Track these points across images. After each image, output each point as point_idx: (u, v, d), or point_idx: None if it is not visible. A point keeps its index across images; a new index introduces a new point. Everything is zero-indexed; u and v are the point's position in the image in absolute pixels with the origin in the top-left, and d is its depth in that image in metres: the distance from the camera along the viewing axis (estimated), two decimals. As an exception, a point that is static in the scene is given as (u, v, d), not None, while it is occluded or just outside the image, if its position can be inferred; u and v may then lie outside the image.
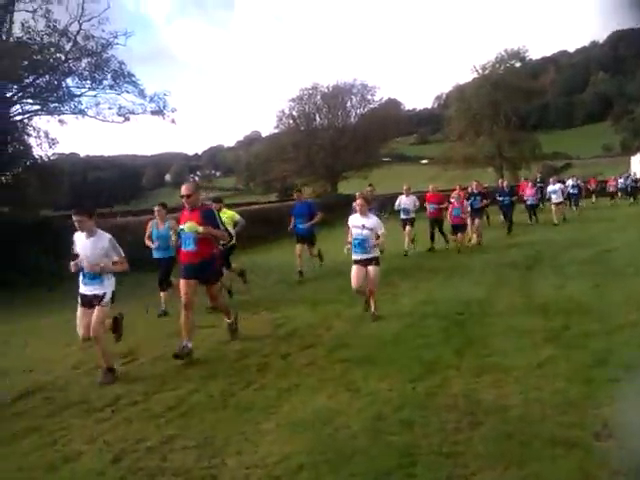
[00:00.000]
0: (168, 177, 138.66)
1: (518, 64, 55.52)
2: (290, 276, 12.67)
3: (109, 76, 21.09)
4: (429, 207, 16.19)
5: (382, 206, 12.51)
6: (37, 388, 6.18)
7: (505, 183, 21.67)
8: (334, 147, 45.74)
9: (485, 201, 17.34)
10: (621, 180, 35.42)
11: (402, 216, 15.87)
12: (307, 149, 45.90)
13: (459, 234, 15.63)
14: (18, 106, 20.06)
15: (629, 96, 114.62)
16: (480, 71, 54.63)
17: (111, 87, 21.36)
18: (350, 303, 9.15)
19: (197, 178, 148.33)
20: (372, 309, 8.35)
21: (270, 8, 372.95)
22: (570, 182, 28.77)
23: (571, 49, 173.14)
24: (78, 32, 19.97)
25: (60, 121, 21.35)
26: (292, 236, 13.33)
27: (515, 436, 4.05)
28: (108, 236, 6.26)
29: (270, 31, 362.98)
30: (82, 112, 21.30)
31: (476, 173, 40.92)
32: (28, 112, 20.40)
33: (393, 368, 5.86)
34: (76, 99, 21.19)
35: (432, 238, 16.11)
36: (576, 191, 27.97)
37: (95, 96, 21.54)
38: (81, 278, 6.29)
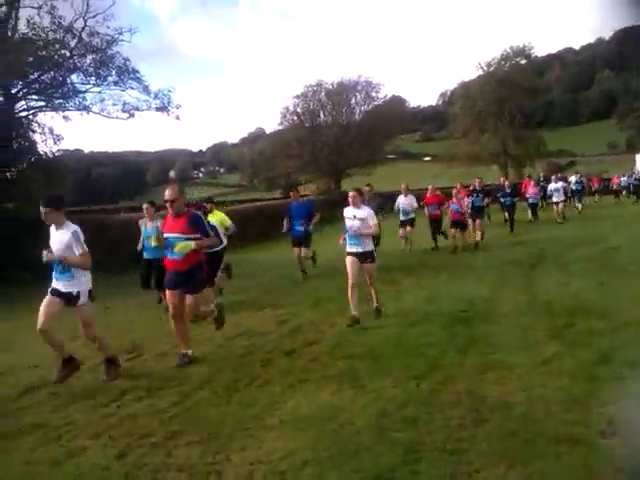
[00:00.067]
0: (172, 173, 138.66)
1: (523, 61, 55.41)
2: (292, 273, 12.65)
3: (114, 72, 21.12)
4: (428, 209, 16.09)
5: (380, 206, 12.40)
6: (42, 383, 6.19)
7: (507, 182, 21.57)
8: (338, 144, 45.74)
9: (487, 199, 17.06)
10: (624, 178, 35.34)
11: (401, 217, 15.82)
12: (311, 146, 45.87)
13: (459, 230, 15.41)
14: (23, 102, 20.10)
15: (635, 93, 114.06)
16: (485, 68, 54.70)
17: (116, 83, 21.42)
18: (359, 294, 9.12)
19: (201, 175, 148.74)
20: (375, 303, 8.34)
21: (275, 4, 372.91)
22: (573, 178, 28.65)
23: (577, 46, 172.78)
24: (83, 28, 20.06)
25: (65, 117, 21.37)
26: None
27: (519, 433, 4.05)
28: (73, 229, 6.03)
29: (275, 27, 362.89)
30: (87, 108, 21.36)
31: (480, 170, 40.87)
32: (33, 108, 20.44)
33: (397, 365, 5.87)
34: (81, 95, 21.25)
35: (434, 237, 16.08)
36: (579, 187, 27.78)
37: (100, 92, 21.60)
38: (54, 273, 6.12)
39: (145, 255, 10.02)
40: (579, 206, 26.51)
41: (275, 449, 4.13)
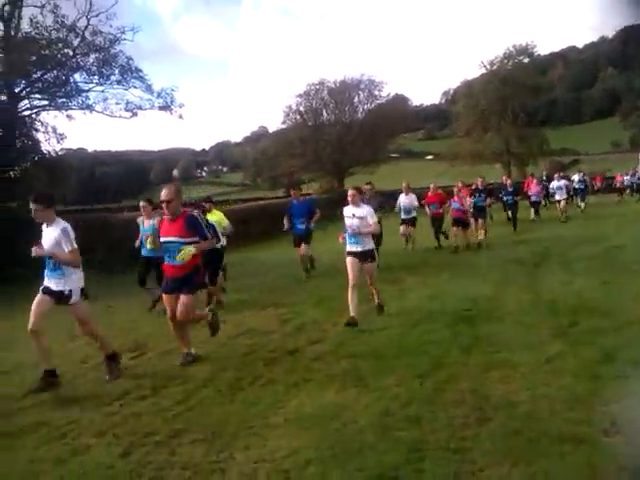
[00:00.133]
0: (176, 172, 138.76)
1: (526, 60, 55.26)
2: (295, 272, 12.64)
3: (117, 71, 21.16)
4: (430, 207, 16.04)
5: (381, 204, 12.34)
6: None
7: (509, 181, 21.52)
8: (341, 143, 45.73)
9: (489, 200, 16.98)
10: (627, 177, 35.24)
11: (403, 216, 15.74)
12: (314, 145, 45.88)
13: (460, 228, 15.36)
14: (26, 101, 20.13)
15: (638, 92, 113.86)
16: (488, 67, 54.64)
17: (119, 82, 21.43)
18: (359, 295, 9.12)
19: (204, 173, 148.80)
20: (376, 300, 8.33)
21: (277, 3, 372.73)
22: (576, 177, 28.48)
23: (580, 45, 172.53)
24: (86, 27, 20.06)
25: (68, 116, 21.41)
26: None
27: (523, 432, 4.04)
28: (63, 226, 5.96)
29: (277, 26, 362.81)
30: (90, 107, 21.39)
31: (483, 169, 40.83)
32: (36, 107, 20.47)
33: (400, 364, 5.87)
34: (84, 94, 21.26)
35: (437, 236, 16.07)
36: (582, 186, 27.58)
37: (103, 91, 21.63)
38: (46, 270, 6.08)
39: (143, 253, 9.94)
40: (582, 205, 26.28)
41: (279, 448, 4.14)
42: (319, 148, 45.84)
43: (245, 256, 17.39)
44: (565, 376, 5.11)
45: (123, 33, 20.84)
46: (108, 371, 6.31)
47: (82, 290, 6.13)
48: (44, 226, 6.09)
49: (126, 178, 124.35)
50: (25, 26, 19.39)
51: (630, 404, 4.32)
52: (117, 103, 21.94)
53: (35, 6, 19.24)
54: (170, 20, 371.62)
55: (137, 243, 10.04)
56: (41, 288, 6.07)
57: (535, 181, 24.42)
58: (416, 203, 15.86)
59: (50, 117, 21.73)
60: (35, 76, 19.56)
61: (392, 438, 4.14)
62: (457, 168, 50.13)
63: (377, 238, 9.96)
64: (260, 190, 68.75)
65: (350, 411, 4.72)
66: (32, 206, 5.91)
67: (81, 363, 6.97)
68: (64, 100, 20.67)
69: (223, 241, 10.16)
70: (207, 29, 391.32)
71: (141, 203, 10.12)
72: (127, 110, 22.14)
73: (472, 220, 16.11)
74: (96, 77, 21.10)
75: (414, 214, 15.71)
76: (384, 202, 13.10)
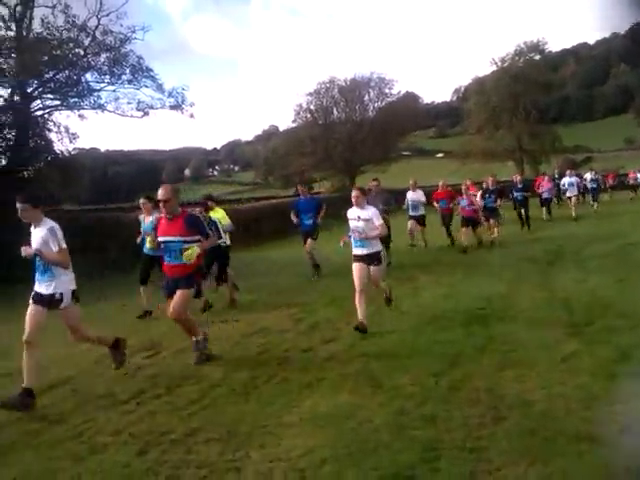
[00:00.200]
0: (187, 172, 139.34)
1: (537, 57, 54.97)
2: (307, 271, 12.60)
3: (128, 71, 21.17)
4: (440, 204, 16.00)
5: (387, 201, 12.28)
6: (61, 382, 6.27)
7: (518, 178, 21.35)
8: (352, 141, 45.60)
9: (500, 201, 16.65)
10: (639, 174, 34.87)
11: (410, 212, 15.70)
12: (325, 143, 45.78)
13: (470, 227, 15.15)
14: (38, 101, 20.22)
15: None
16: (499, 64, 54.31)
17: (130, 82, 21.47)
18: (366, 299, 9.08)
19: (216, 173, 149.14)
20: (385, 294, 8.27)
21: (286, 2, 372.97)
22: (589, 176, 28.15)
23: (591, 41, 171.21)
24: (97, 27, 20.12)
25: (80, 116, 21.44)
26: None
27: (539, 431, 4.03)
28: (50, 225, 5.81)
29: (286, 25, 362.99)
30: (101, 107, 21.43)
31: (495, 167, 40.64)
32: (48, 107, 20.55)
33: (414, 362, 5.86)
34: (95, 94, 21.31)
35: (449, 233, 16.01)
36: (595, 185, 27.22)
37: (114, 91, 21.64)
38: (36, 274, 5.94)
39: (145, 250, 9.81)
40: (595, 205, 25.70)
41: (294, 447, 4.15)
42: (330, 146, 45.74)
43: (257, 255, 17.43)
44: (581, 375, 5.08)
45: (133, 32, 20.89)
46: (113, 359, 6.37)
47: (73, 292, 5.96)
48: (32, 227, 5.97)
49: (138, 177, 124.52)
50: (36, 26, 19.50)
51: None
52: (128, 102, 21.98)
53: (46, 6, 19.35)
54: (180, 19, 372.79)
55: (138, 240, 10.01)
56: (32, 295, 5.88)
57: (547, 178, 24.26)
58: (423, 199, 15.80)
59: (62, 117, 21.80)
60: (47, 76, 19.63)
61: (407, 437, 4.14)
62: (468, 166, 49.97)
63: (385, 237, 9.79)
64: (272, 189, 68.82)
65: (365, 410, 4.72)
66: (18, 206, 5.77)
67: (96, 363, 6.99)
68: (76, 100, 20.74)
69: (226, 239, 10.17)
70: (216, 28, 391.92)
71: (141, 200, 10.03)
72: (138, 109, 22.19)
73: (483, 220, 16.05)
74: (107, 77, 21.19)
75: (422, 211, 15.67)
76: (390, 199, 13.04)
